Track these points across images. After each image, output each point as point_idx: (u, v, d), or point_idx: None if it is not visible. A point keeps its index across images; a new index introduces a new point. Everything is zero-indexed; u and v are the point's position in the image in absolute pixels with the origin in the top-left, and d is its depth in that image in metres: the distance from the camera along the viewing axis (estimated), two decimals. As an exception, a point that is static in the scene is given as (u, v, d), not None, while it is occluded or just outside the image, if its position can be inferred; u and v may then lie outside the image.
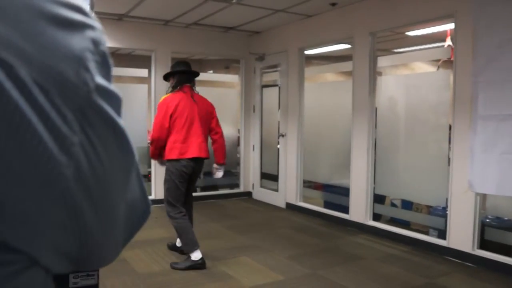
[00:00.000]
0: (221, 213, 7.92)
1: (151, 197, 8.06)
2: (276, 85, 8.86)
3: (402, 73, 8.40)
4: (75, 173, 0.50)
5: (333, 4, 6.76)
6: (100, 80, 0.53)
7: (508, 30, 4.70)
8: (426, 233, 5.93)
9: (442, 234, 5.63)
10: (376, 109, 6.58)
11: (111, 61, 0.58)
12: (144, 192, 0.65)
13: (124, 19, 7.78)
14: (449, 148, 5.51)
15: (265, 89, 9.22)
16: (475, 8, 5.00)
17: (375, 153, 6.62)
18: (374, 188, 6.63)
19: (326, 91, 8.11)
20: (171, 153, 5.05)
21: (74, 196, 0.50)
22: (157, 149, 5.15)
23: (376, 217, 6.65)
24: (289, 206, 8.26)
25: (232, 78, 10.35)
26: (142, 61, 8.63)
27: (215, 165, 5.54)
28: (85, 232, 0.53)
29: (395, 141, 6.45)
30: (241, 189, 9.53)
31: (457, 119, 5.34)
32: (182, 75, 5.25)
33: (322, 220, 7.34)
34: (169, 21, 8.06)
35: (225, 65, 12.08)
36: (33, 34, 0.47)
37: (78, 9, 0.53)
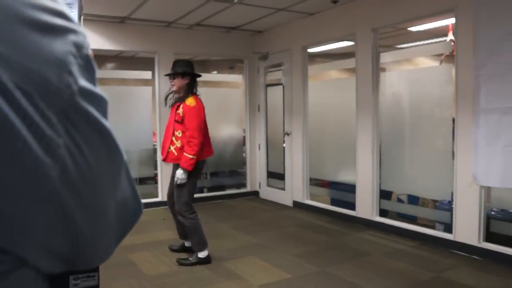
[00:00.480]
0: (228, 213, 7.95)
1: (158, 199, 8.10)
2: (280, 84, 8.87)
3: (405, 69, 8.37)
4: (61, 174, 0.50)
5: (335, 2, 6.78)
6: (83, 83, 0.54)
7: (509, 23, 4.69)
8: (433, 227, 5.93)
9: (448, 228, 5.63)
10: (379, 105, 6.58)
11: (95, 64, 0.59)
12: (135, 191, 0.66)
13: (126, 21, 7.80)
14: (453, 142, 5.51)
15: (269, 88, 9.23)
16: (475, 1, 5.00)
17: (380, 149, 6.63)
18: (380, 184, 6.63)
19: (330, 89, 8.11)
20: (204, 153, 5.17)
21: (61, 196, 0.51)
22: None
23: (383, 213, 6.66)
24: (296, 204, 8.27)
25: (236, 78, 10.36)
26: (146, 63, 8.64)
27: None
28: (74, 232, 0.54)
29: (400, 137, 6.46)
30: (248, 188, 9.54)
31: (460, 113, 5.34)
32: (195, 78, 5.32)
33: (329, 218, 7.35)
34: (171, 23, 8.09)
35: (229, 65, 12.08)
36: (14, 39, 0.47)
37: (60, 14, 0.54)
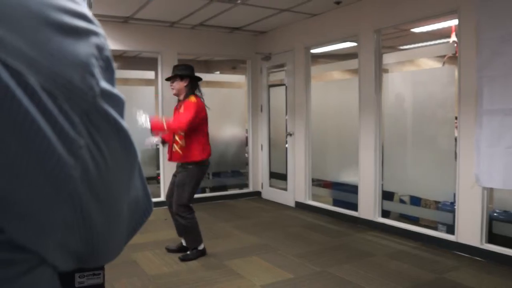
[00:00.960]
0: (230, 213, 7.95)
1: (160, 199, 8.09)
2: (283, 85, 8.88)
3: (408, 70, 8.38)
4: (82, 175, 0.52)
5: (338, 3, 6.78)
6: (104, 84, 0.55)
7: (511, 24, 4.70)
8: (435, 228, 5.94)
9: (450, 229, 5.64)
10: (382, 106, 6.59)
11: (114, 65, 0.60)
12: (147, 191, 0.68)
13: (129, 21, 7.82)
14: (456, 143, 5.52)
15: (272, 89, 9.24)
16: (478, 2, 5.00)
17: (382, 150, 6.64)
18: (382, 185, 6.64)
19: (332, 90, 8.12)
20: (203, 153, 5.21)
21: (81, 196, 0.52)
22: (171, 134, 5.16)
23: (385, 214, 6.67)
24: (299, 204, 8.28)
25: (239, 79, 10.37)
26: (149, 63, 8.66)
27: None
28: (91, 231, 0.55)
29: (402, 138, 6.46)
30: (250, 189, 9.55)
31: (462, 114, 5.34)
32: (195, 81, 5.37)
33: (332, 218, 7.36)
34: (174, 23, 8.11)
35: (232, 66, 12.10)
36: (40, 42, 0.48)
37: (83, 16, 0.55)
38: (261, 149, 9.43)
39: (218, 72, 12.47)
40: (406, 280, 4.63)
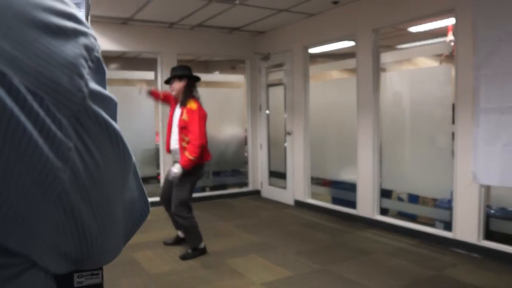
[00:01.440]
0: (230, 212, 8.01)
1: (161, 198, 8.15)
2: (282, 84, 8.92)
3: (406, 69, 8.41)
4: (71, 177, 0.51)
5: (335, 2, 6.83)
6: (94, 85, 0.54)
7: (508, 23, 4.74)
8: (433, 225, 5.99)
9: (448, 226, 5.69)
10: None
11: (104, 66, 0.59)
12: (143, 192, 0.67)
13: (129, 22, 7.85)
14: (453, 141, 5.56)
15: (271, 88, 9.28)
16: (474, 2, 5.04)
17: (380, 148, 6.68)
18: (380, 183, 6.69)
19: (331, 89, 8.16)
20: (204, 156, 5.28)
21: (71, 198, 0.52)
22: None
23: (384, 211, 6.72)
24: (298, 203, 8.33)
25: (238, 78, 10.41)
26: (148, 63, 8.69)
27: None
28: (83, 233, 0.54)
29: (400, 136, 6.51)
30: (250, 187, 9.60)
31: (460, 112, 5.39)
32: (193, 81, 5.43)
33: (331, 216, 7.41)
34: (173, 24, 8.14)
35: (231, 66, 12.13)
36: (25, 42, 0.47)
37: (71, 17, 0.54)
38: (261, 148, 9.48)
39: (217, 72, 12.49)
40: (405, 277, 4.68)
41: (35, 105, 0.47)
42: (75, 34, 0.53)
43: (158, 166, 8.51)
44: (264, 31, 8.97)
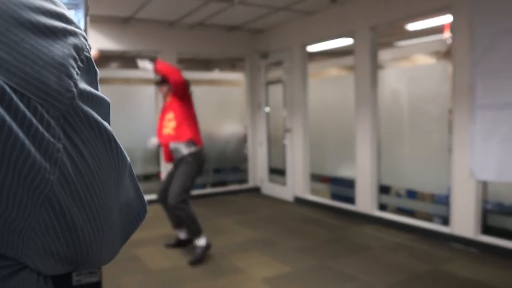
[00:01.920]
0: (230, 209, 8.06)
1: (162, 196, 8.19)
2: (281, 82, 8.97)
3: (403, 66, 8.45)
4: (60, 178, 0.50)
5: (333, 1, 6.87)
6: (84, 86, 0.54)
7: (504, 20, 4.79)
8: (431, 221, 6.05)
9: (445, 221, 5.75)
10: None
11: (95, 66, 0.58)
12: (139, 192, 0.66)
13: (129, 21, 7.89)
14: (450, 137, 5.61)
15: (270, 86, 9.33)
16: (471, -1, 5.10)
17: (379, 145, 6.74)
18: (379, 179, 6.75)
19: (329, 86, 8.22)
20: (200, 140, 5.29)
21: (61, 200, 0.51)
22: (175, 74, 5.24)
23: (382, 207, 6.78)
24: (297, 199, 8.39)
25: (237, 76, 10.45)
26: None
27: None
28: (76, 235, 0.53)
29: (398, 133, 6.57)
30: (250, 184, 9.65)
31: (457, 109, 5.44)
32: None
33: (330, 212, 7.47)
34: (173, 23, 8.18)
35: (231, 64, 12.15)
36: (11, 42, 0.46)
37: (59, 16, 0.54)
38: (260, 145, 9.53)
39: (217, 71, 12.53)
40: (403, 271, 4.73)
41: (22, 106, 0.46)
42: (64, 34, 0.53)
43: (158, 164, 8.56)
44: (263, 29, 9.01)
